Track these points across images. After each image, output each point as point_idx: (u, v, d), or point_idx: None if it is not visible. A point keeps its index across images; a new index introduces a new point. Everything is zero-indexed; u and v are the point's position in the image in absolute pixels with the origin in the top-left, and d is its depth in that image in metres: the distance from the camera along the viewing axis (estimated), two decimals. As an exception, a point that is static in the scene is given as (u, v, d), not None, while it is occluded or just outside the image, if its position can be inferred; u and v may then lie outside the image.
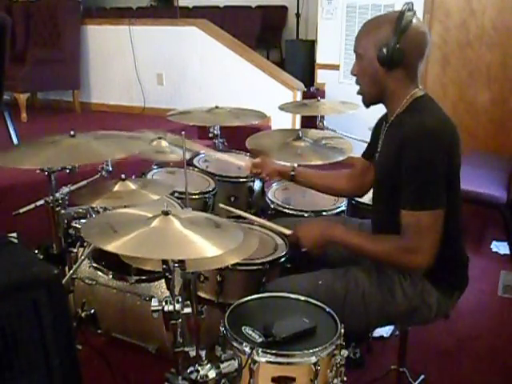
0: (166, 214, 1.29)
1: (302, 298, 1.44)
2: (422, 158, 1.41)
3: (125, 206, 1.77)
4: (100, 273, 2.04)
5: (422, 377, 2.00)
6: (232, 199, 2.44)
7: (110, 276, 2.02)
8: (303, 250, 1.65)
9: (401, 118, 1.53)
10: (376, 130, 1.75)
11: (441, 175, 1.43)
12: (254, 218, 1.94)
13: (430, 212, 1.42)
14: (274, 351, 1.22)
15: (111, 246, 1.19)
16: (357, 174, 1.91)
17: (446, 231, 1.47)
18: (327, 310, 1.38)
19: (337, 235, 1.60)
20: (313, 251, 1.65)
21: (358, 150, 2.48)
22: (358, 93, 1.60)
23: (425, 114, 1.48)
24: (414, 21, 1.46)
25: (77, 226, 1.91)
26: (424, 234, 1.43)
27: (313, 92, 4.87)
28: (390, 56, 1.46)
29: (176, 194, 2.18)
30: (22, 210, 2.00)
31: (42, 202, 1.95)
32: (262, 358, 1.22)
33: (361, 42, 1.54)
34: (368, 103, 1.60)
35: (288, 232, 1.72)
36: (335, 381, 1.28)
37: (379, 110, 1.74)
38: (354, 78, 1.60)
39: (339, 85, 4.95)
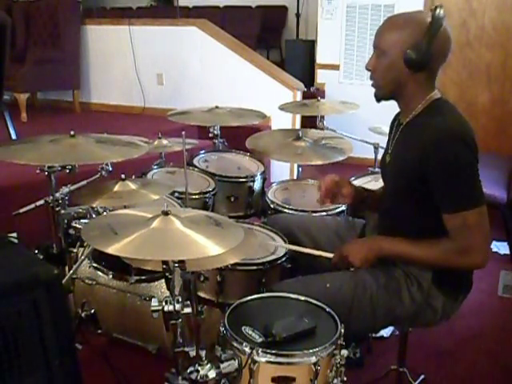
0: (166, 214, 1.29)
1: (302, 298, 1.44)
2: (453, 160, 1.40)
3: (125, 206, 1.77)
4: (100, 273, 2.04)
5: (422, 377, 2.00)
6: (232, 199, 2.45)
7: (110, 276, 2.02)
8: (352, 269, 1.59)
9: (419, 119, 1.52)
10: (390, 133, 1.73)
11: (475, 172, 1.43)
12: (291, 246, 1.84)
13: (473, 210, 1.42)
14: (274, 351, 1.22)
15: (112, 249, 1.19)
16: None
17: None
18: (327, 309, 1.38)
19: (385, 247, 1.56)
20: (360, 266, 1.58)
21: (357, 150, 2.49)
22: (373, 85, 1.57)
23: (447, 116, 1.47)
24: (444, 25, 1.45)
25: (77, 225, 1.91)
26: (473, 232, 1.42)
27: (313, 92, 4.87)
28: (418, 59, 1.44)
29: (176, 194, 2.18)
30: (21, 210, 2.00)
31: (42, 202, 1.96)
32: (262, 358, 1.22)
33: (385, 38, 1.49)
34: (381, 99, 1.58)
35: (330, 255, 1.66)
36: (335, 381, 1.28)
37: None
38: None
39: (339, 85, 4.95)
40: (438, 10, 1.43)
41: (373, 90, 1.59)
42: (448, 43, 1.48)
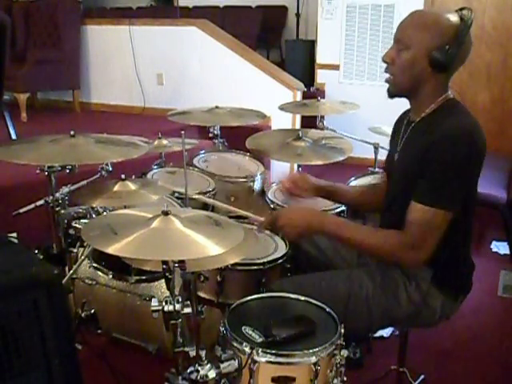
0: (166, 214, 1.29)
1: (302, 298, 1.44)
2: (455, 156, 1.39)
3: (125, 206, 1.77)
4: (100, 273, 2.04)
5: (422, 377, 2.00)
6: (232, 199, 2.44)
7: (110, 276, 2.02)
8: (280, 235, 1.57)
9: (431, 119, 1.51)
10: (392, 134, 1.73)
11: (466, 178, 1.43)
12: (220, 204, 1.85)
13: (443, 212, 1.41)
14: (273, 351, 1.22)
15: (112, 249, 1.19)
16: (381, 185, 1.83)
17: (457, 235, 1.48)
18: (327, 309, 1.38)
19: (327, 227, 1.53)
20: (293, 240, 1.56)
21: (357, 150, 2.49)
22: (386, 81, 1.55)
23: (460, 116, 1.47)
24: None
25: (77, 225, 1.91)
26: (431, 232, 1.42)
27: (313, 92, 4.87)
28: (445, 61, 1.43)
29: (176, 194, 2.18)
30: (22, 210, 2.00)
31: (41, 202, 1.96)
32: (262, 358, 1.22)
33: (412, 34, 1.46)
34: (394, 95, 1.55)
35: (261, 219, 1.62)
36: (335, 381, 1.28)
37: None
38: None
39: (339, 85, 4.95)
40: (467, 14, 1.43)
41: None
42: (471, 45, 1.48)
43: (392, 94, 1.56)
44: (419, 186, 1.44)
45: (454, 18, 1.45)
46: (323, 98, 4.71)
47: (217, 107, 2.64)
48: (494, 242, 3.31)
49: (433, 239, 1.43)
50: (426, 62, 1.45)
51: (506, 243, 3.23)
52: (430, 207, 1.41)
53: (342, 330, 1.30)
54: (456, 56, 1.43)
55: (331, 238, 1.55)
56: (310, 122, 3.07)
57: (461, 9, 1.46)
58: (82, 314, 1.97)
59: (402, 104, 1.63)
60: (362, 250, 1.53)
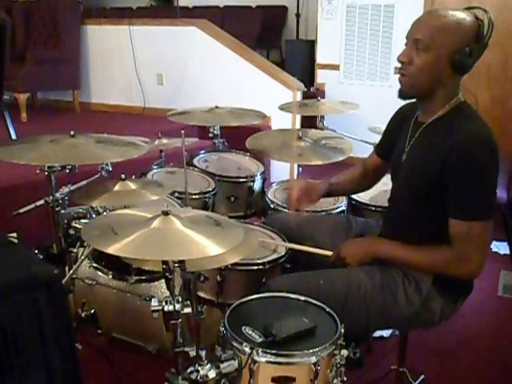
0: (166, 214, 1.29)
1: (302, 298, 1.44)
2: (480, 167, 1.39)
3: (125, 207, 1.77)
4: (100, 273, 2.04)
5: (422, 377, 2.00)
6: (232, 199, 2.45)
7: (110, 276, 2.02)
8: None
9: (444, 121, 1.49)
10: (393, 127, 1.72)
11: (495, 185, 1.43)
12: (289, 245, 1.85)
13: (482, 222, 1.42)
14: (273, 351, 1.22)
15: (112, 249, 1.19)
16: (369, 172, 1.88)
17: None
18: (327, 309, 1.38)
19: (382, 251, 1.57)
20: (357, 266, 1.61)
21: (357, 150, 2.50)
22: (400, 81, 1.52)
23: (474, 121, 1.47)
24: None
25: (77, 225, 1.91)
26: (476, 243, 1.43)
27: (313, 92, 4.87)
28: (466, 63, 1.43)
29: (176, 194, 2.18)
30: (22, 210, 2.00)
31: (41, 201, 1.96)
32: (262, 358, 1.22)
33: (433, 34, 1.43)
34: (407, 96, 1.54)
35: (329, 253, 1.67)
36: (335, 381, 1.28)
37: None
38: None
39: (339, 85, 4.95)
40: (486, 15, 1.44)
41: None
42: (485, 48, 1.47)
43: (405, 95, 1.53)
44: (452, 201, 1.44)
45: (469, 17, 1.44)
46: (323, 98, 4.71)
47: (217, 107, 2.64)
48: (494, 242, 3.31)
49: (480, 249, 1.45)
50: (447, 64, 1.44)
51: (506, 243, 3.22)
52: (469, 221, 1.42)
53: (342, 330, 1.30)
54: (478, 57, 1.43)
55: (388, 260, 1.57)
56: (310, 122, 3.07)
57: (470, 8, 1.45)
58: (82, 314, 1.97)
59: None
60: (415, 267, 1.53)
